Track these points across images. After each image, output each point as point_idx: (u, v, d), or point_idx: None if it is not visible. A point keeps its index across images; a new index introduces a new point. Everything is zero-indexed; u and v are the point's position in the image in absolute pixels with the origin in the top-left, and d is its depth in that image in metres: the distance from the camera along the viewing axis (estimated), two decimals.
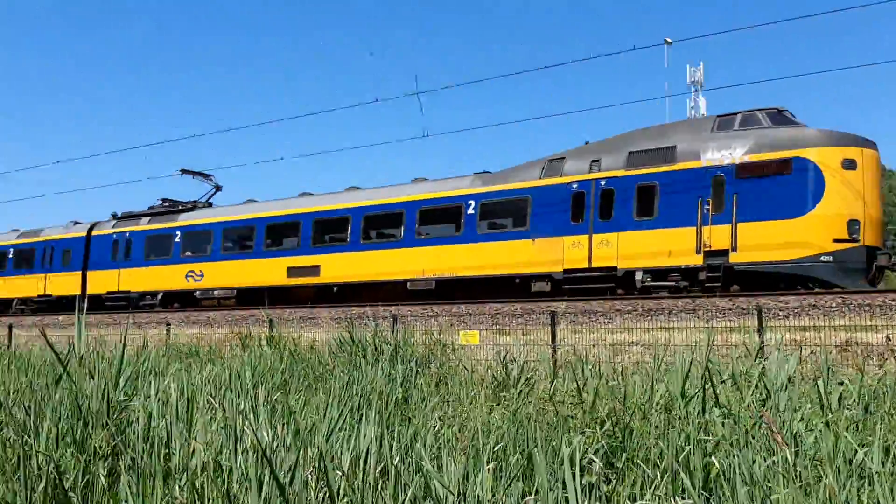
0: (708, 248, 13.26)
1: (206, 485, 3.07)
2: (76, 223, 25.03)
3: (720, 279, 13.17)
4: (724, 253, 13.20)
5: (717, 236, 13.16)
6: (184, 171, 23.82)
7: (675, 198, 13.71)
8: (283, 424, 3.55)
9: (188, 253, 21.29)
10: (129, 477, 3.11)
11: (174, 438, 3.44)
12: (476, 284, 16.17)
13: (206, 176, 24.28)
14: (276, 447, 3.39)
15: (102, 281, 22.86)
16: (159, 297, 21.42)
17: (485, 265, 15.90)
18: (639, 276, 14.12)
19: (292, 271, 18.81)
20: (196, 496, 2.91)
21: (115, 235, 23.04)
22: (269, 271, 19.22)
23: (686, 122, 16.60)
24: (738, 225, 13.00)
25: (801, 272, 12.74)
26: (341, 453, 3.19)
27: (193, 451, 3.39)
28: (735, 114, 14.08)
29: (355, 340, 7.18)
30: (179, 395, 3.91)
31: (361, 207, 18.23)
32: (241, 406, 3.77)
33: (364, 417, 3.47)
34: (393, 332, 8.03)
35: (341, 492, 2.95)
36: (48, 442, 3.32)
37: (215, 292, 20.79)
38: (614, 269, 14.32)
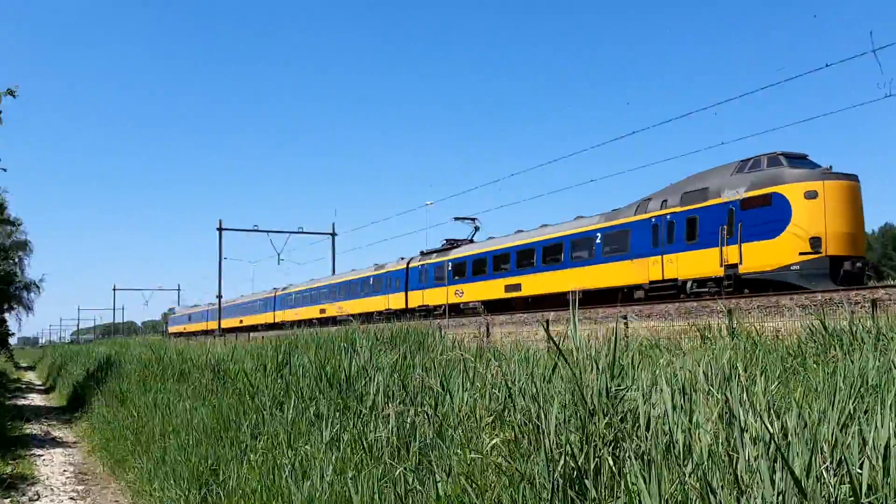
0: (727, 263, 19.23)
1: (712, 473, 3.14)
2: (402, 259, 37.74)
3: (734, 285, 19.11)
4: (735, 266, 19.08)
5: (731, 254, 19.09)
6: (456, 218, 35.67)
7: (707, 226, 19.97)
8: (784, 414, 3.42)
9: (456, 277, 31.76)
10: (636, 462, 3.36)
11: (673, 426, 3.60)
12: (600, 294, 22.87)
13: (472, 219, 35.40)
14: (787, 438, 3.29)
15: (414, 298, 34.89)
16: (442, 308, 30.91)
17: (605, 280, 23.37)
18: (689, 284, 20.51)
19: (507, 288, 28.25)
20: (704, 483, 3.00)
21: (420, 267, 35.01)
22: (495, 289, 28.89)
23: (718, 168, 21.11)
24: (743, 245, 18.91)
25: (779, 279, 18.17)
26: (855, 448, 2.95)
27: (694, 439, 3.49)
28: (747, 160, 19.88)
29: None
30: (674, 385, 4.06)
31: (540, 241, 26.98)
32: (740, 395, 3.74)
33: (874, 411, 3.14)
34: None
35: (863, 487, 2.72)
36: (557, 427, 3.79)
37: (471, 304, 30.12)
38: (676, 280, 20.88)
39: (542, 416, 3.97)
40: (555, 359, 4.96)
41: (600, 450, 3.73)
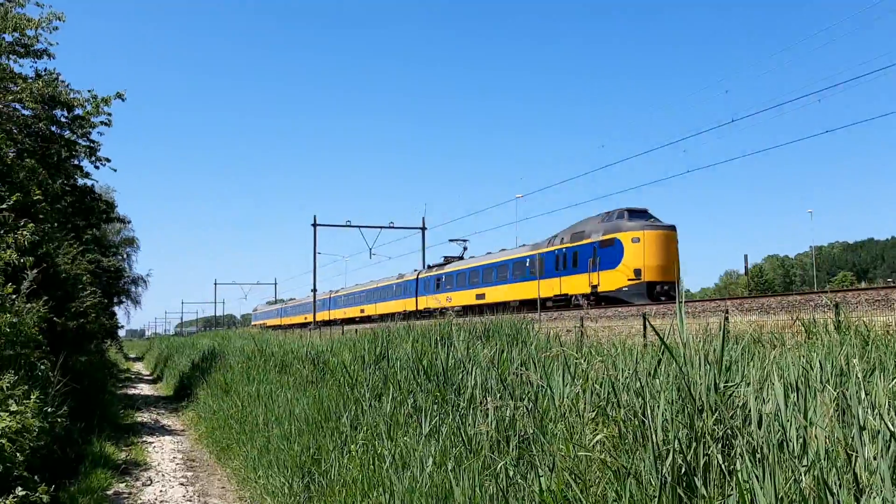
0: (592, 284, 27.30)
1: (829, 471, 3.05)
2: (415, 271, 47.01)
3: (596, 300, 27.02)
4: (596, 286, 27.18)
5: (594, 278, 27.06)
6: (451, 240, 45.21)
7: (583, 258, 28.10)
8: None
9: (447, 287, 40.44)
10: (747, 460, 3.30)
11: (786, 424, 3.51)
12: (531, 303, 29.68)
13: (463, 241, 44.89)
14: None
15: (422, 302, 42.89)
16: (437, 312, 36.13)
17: (532, 293, 30.49)
18: (573, 298, 28.55)
19: (476, 297, 36.47)
20: (821, 482, 2.92)
21: (425, 278, 43.89)
22: (470, 297, 37.21)
23: (593, 217, 29.24)
24: (600, 272, 27.05)
25: (617, 296, 26.15)
26: None
27: (809, 437, 3.39)
28: (609, 212, 28.28)
29: None
30: (786, 380, 3.96)
31: (495, 262, 35.78)
32: (857, 391, 3.60)
33: None
34: None
35: None
36: (664, 423, 3.75)
37: (455, 308, 33.79)
38: (567, 294, 28.98)
39: (648, 412, 3.94)
40: (658, 354, 4.90)
41: (709, 447, 3.67)
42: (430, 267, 44.70)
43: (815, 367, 4.41)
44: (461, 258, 43.32)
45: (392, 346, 10.14)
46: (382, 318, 42.36)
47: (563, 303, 29.06)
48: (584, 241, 28.32)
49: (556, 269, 29.88)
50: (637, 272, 25.76)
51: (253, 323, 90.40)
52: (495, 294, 34.71)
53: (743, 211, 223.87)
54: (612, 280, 26.58)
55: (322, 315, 59.83)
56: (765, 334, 8.44)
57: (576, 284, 28.35)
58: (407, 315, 40.61)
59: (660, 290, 25.51)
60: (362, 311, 52.44)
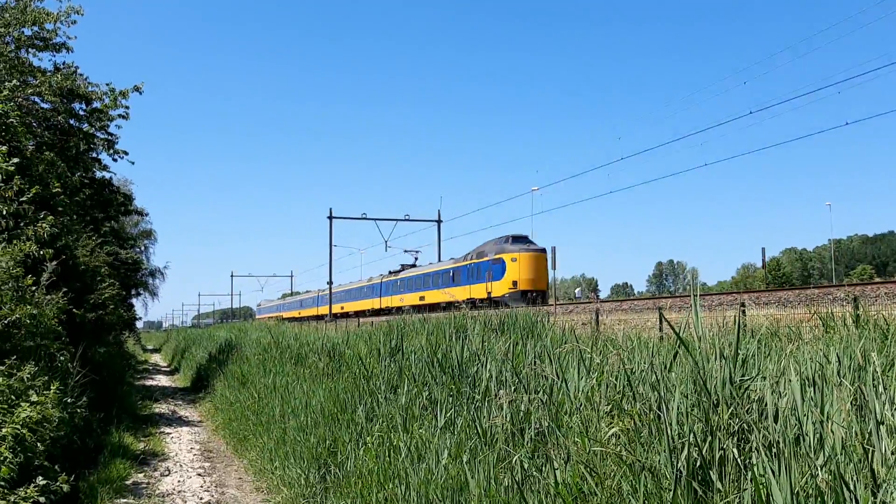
0: (488, 291, 35.18)
1: (845, 466, 3.04)
2: (381, 274, 55.15)
3: (490, 303, 32.65)
4: (490, 293, 34.94)
5: (489, 287, 34.93)
6: (405, 251, 54.15)
7: (483, 271, 36.33)
8: None
9: (401, 289, 48.14)
10: (763, 454, 3.30)
11: (803, 418, 3.50)
12: (450, 305, 33.36)
13: (416, 252, 53.64)
14: None
15: (385, 301, 50.50)
16: (394, 310, 43.39)
17: (454, 297, 36.25)
18: (476, 301, 35.07)
19: (420, 298, 43.64)
20: (838, 476, 2.92)
21: (385, 283, 52.00)
22: (415, 298, 44.35)
23: (492, 239, 38.20)
24: (493, 283, 35.04)
25: (503, 300, 32.73)
26: None
27: (826, 432, 3.38)
28: (499, 237, 37.02)
29: None
30: (803, 374, 3.94)
31: (431, 272, 44.00)
32: (875, 386, 3.59)
33: None
34: None
35: None
36: (679, 417, 3.75)
37: (405, 308, 39.37)
38: (474, 299, 35.52)
39: (664, 405, 3.94)
40: (674, 347, 4.89)
41: (725, 441, 3.67)
42: (390, 273, 53.53)
43: (832, 362, 4.39)
44: (414, 266, 51.78)
45: (407, 339, 10.18)
46: (357, 314, 52.63)
47: (471, 305, 35.25)
48: (483, 259, 37.24)
49: (467, 279, 38.97)
50: (514, 283, 34.56)
51: (257, 317, 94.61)
52: (432, 297, 42.83)
53: (761, 203, 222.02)
54: (499, 288, 35.16)
55: (311, 311, 70.92)
56: (782, 328, 8.40)
57: (478, 291, 37.25)
58: (373, 312, 50.51)
59: (531, 296, 33.32)
60: (342, 308, 61.30)
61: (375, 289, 54.10)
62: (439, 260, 50.02)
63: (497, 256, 35.53)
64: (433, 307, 37.65)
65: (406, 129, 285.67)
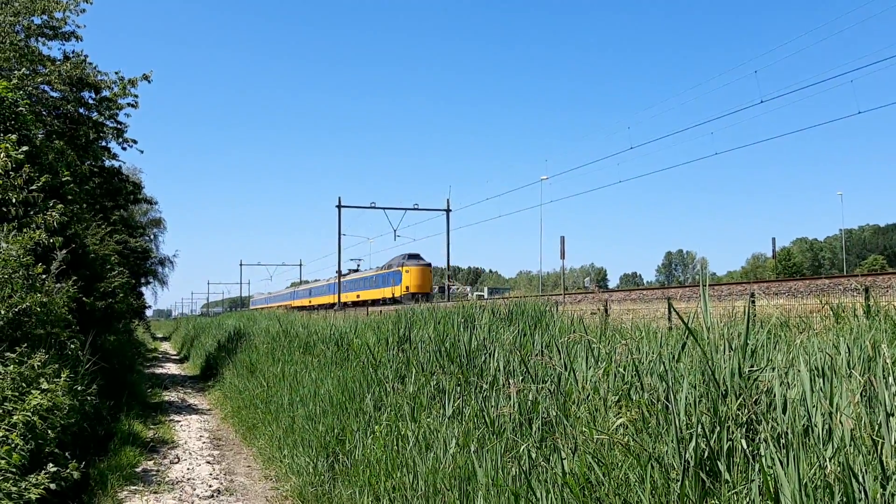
0: (392, 293, 50.38)
1: (854, 458, 3.03)
2: (337, 274, 64.13)
3: (395, 301, 45.75)
4: (394, 293, 50.18)
5: (394, 290, 50.10)
6: (351, 259, 72.68)
7: (390, 279, 51.89)
8: None
9: (349, 288, 59.99)
10: (771, 445, 3.29)
11: (812, 409, 3.49)
12: (377, 301, 50.84)
13: (359, 260, 69.57)
14: None
15: (342, 297, 57.73)
16: (347, 304, 54.28)
17: (371, 296, 54.92)
18: (386, 300, 50.12)
19: (357, 296, 58.29)
20: (846, 468, 2.91)
21: (342, 282, 59.03)
22: (352, 296, 58.36)
23: (397, 255, 52.72)
24: (395, 287, 50.43)
25: (401, 300, 45.13)
26: None
27: (834, 423, 3.37)
28: (402, 255, 51.85)
29: None
30: (812, 366, 3.93)
31: (363, 277, 60.30)
32: (885, 377, 3.56)
33: None
34: None
35: None
36: (687, 407, 3.75)
37: (350, 302, 54.88)
38: (386, 298, 50.75)
39: (672, 396, 3.94)
40: (682, 337, 4.88)
41: (733, 432, 3.67)
42: (345, 273, 64.57)
43: (842, 353, 4.37)
44: (356, 270, 66.45)
45: (415, 328, 10.20)
46: (320, 307, 60.10)
47: (384, 302, 50.46)
48: (390, 270, 52.11)
49: (383, 284, 53.20)
50: (407, 288, 48.41)
51: (251, 307, 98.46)
52: (364, 295, 57.26)
53: (772, 193, 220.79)
54: (399, 291, 48.95)
55: (287, 304, 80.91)
56: (792, 319, 8.37)
57: (388, 293, 50.99)
58: (329, 306, 60.74)
59: (419, 297, 41.38)
60: (311, 301, 71.58)
61: (333, 287, 65.75)
62: (348, 272, 66.98)
63: (397, 269, 50.83)
64: (363, 303, 53.32)
65: (415, 119, 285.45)
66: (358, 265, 67.53)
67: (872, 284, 14.34)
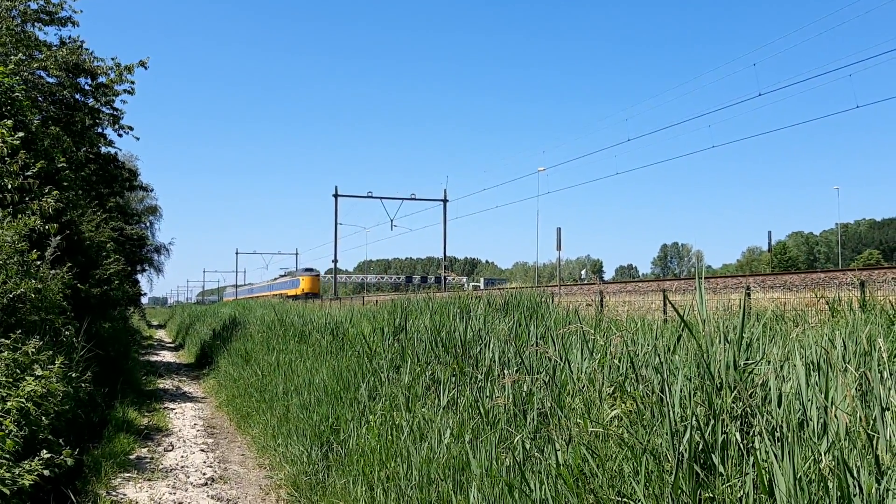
0: (294, 293, 66.61)
1: (849, 452, 3.03)
2: (272, 278, 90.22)
3: (296, 298, 48.03)
4: (295, 294, 64.55)
5: (296, 290, 69.84)
6: (280, 269, 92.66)
7: (293, 283, 73.57)
8: None
9: (273, 288, 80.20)
10: (766, 439, 3.29)
11: (807, 403, 3.49)
12: (294, 297, 54.52)
13: (284, 269, 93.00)
14: None
15: (264, 294, 77.72)
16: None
17: (281, 293, 71.03)
18: (289, 298, 49.08)
19: (273, 294, 72.75)
20: (841, 462, 2.90)
21: (270, 284, 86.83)
22: (292, 291, 69.84)
23: (301, 268, 78.47)
24: (295, 289, 69.93)
25: (297, 298, 47.50)
26: None
27: (829, 417, 3.37)
28: (303, 268, 77.18)
29: None
30: (807, 359, 3.92)
31: (279, 282, 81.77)
32: (881, 371, 3.56)
33: None
34: None
35: None
36: (682, 400, 3.74)
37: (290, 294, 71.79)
38: (297, 295, 62.06)
39: (667, 388, 3.93)
40: (678, 330, 4.87)
41: (728, 425, 3.66)
42: (274, 278, 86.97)
43: (837, 347, 4.37)
44: (284, 276, 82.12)
45: (411, 318, 10.18)
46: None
47: (288, 298, 56.83)
48: (294, 278, 71.80)
49: (290, 286, 69.66)
50: (303, 290, 65.08)
51: (224, 299, 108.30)
52: (277, 292, 70.72)
53: (768, 186, 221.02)
54: (297, 292, 63.09)
55: (245, 297, 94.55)
56: (787, 312, 8.38)
57: (292, 292, 64.37)
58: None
59: (310, 296, 52.47)
60: (254, 297, 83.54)
61: (270, 287, 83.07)
62: (280, 275, 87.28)
63: (297, 277, 71.72)
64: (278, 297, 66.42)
65: (413, 109, 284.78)
66: (285, 271, 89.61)
67: (868, 279, 14.38)
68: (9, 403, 6.52)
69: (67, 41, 16.96)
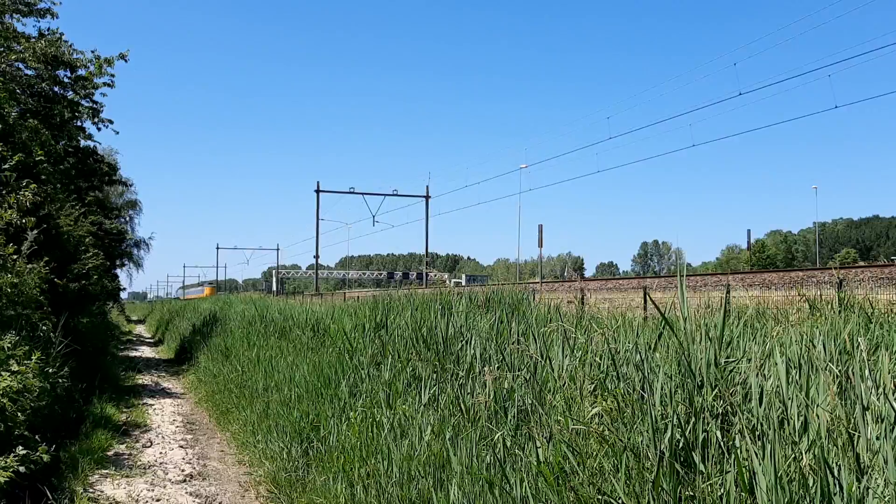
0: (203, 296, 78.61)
1: (830, 451, 3.02)
2: (207, 283, 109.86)
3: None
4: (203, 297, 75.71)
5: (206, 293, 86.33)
6: (198, 278, 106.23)
7: (202, 289, 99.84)
8: None
9: (192, 292, 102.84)
10: (746, 437, 3.28)
11: (788, 401, 3.48)
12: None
13: (210, 279, 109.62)
14: None
15: (189, 296, 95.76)
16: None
17: (195, 296, 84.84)
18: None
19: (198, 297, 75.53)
20: (822, 461, 2.89)
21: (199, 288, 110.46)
22: (193, 296, 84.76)
23: (209, 281, 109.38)
24: (202, 295, 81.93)
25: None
26: None
27: (810, 416, 3.37)
28: (209, 281, 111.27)
29: None
30: (788, 357, 3.92)
31: (194, 288, 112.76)
32: (861, 370, 3.56)
33: None
34: None
35: None
36: (662, 398, 3.72)
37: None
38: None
39: (648, 386, 3.91)
40: (659, 327, 4.86)
41: (708, 423, 3.65)
42: (202, 283, 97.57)
43: (817, 345, 4.37)
44: (199, 285, 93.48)
45: (392, 315, 10.12)
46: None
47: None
48: (202, 286, 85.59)
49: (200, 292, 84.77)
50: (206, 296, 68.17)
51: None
52: (192, 296, 76.82)
53: (747, 185, 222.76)
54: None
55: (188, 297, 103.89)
56: (767, 309, 8.41)
57: (200, 297, 67.41)
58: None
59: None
60: (186, 298, 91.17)
61: (198, 290, 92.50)
62: (208, 283, 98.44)
63: (205, 288, 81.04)
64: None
65: (395, 105, 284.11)
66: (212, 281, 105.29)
67: (845, 277, 14.53)
68: None
69: (46, 33, 16.72)
